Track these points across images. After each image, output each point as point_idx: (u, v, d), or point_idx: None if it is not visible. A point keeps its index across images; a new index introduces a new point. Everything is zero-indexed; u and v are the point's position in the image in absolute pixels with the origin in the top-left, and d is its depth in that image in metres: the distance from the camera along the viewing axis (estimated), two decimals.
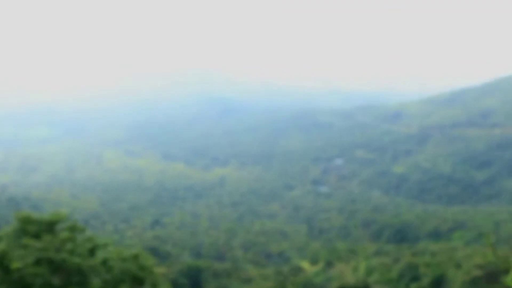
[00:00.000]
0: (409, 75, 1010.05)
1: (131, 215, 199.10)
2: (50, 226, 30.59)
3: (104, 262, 30.66)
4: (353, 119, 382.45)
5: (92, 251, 31.58)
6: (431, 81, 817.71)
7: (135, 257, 31.87)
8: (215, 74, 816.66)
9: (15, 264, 27.24)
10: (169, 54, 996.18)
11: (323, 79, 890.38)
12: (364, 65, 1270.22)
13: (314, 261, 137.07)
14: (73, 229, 31.37)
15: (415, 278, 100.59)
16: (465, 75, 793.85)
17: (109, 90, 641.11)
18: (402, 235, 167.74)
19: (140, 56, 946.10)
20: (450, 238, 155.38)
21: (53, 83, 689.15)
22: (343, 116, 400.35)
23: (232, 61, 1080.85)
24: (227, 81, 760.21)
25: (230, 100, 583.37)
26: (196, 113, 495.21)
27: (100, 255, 31.42)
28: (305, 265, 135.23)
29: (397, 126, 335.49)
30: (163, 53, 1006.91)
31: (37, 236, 29.97)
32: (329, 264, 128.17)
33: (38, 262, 28.31)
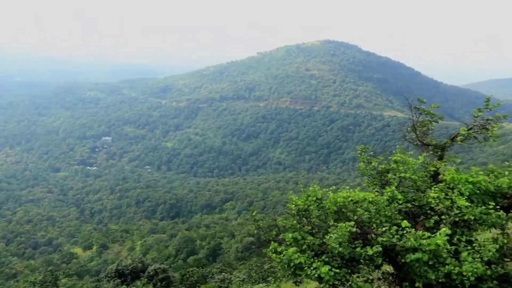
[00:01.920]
0: (178, 48, 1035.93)
1: None
2: None
3: None
4: (121, 94, 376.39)
5: None
6: (198, 55, 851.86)
7: None
8: None
9: None
10: None
11: (90, 50, 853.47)
12: (133, 38, 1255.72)
13: (87, 246, 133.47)
14: None
15: (193, 251, 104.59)
16: (231, 49, 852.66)
17: None
18: (176, 210, 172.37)
19: None
20: (223, 209, 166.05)
21: None
22: (110, 90, 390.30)
23: None
24: None
25: None
26: None
27: None
28: (78, 250, 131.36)
29: (166, 100, 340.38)
30: None
31: None
32: (103, 247, 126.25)
33: None
